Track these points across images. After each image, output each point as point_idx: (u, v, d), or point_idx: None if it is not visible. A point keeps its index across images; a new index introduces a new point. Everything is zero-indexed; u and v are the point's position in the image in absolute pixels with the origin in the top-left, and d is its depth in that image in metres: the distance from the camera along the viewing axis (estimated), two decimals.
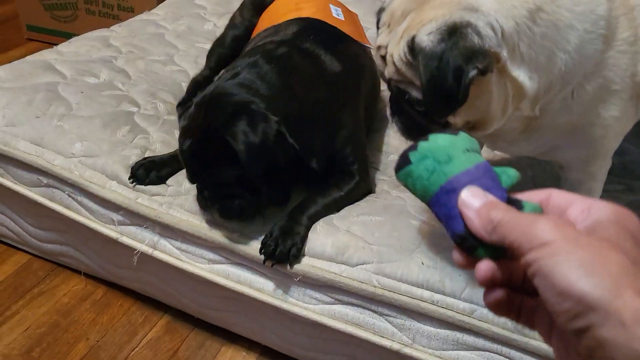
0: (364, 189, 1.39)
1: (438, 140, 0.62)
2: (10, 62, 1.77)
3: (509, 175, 0.61)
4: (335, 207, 1.32)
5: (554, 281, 0.46)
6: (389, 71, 0.96)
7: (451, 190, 0.59)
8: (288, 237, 1.21)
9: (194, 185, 1.27)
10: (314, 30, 1.44)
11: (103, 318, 1.49)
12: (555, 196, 0.53)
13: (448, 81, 0.84)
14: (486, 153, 1.49)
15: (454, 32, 0.84)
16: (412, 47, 0.88)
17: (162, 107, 1.64)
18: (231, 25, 1.75)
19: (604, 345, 0.43)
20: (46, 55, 1.83)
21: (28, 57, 1.82)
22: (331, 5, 1.54)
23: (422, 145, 0.62)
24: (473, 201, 0.55)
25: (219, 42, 1.75)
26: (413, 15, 0.91)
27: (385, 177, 1.50)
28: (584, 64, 0.93)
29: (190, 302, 1.42)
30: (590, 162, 1.10)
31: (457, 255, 0.56)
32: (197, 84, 1.66)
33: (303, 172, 1.30)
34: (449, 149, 0.62)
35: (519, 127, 1.03)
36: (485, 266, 0.54)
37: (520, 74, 0.89)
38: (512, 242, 0.50)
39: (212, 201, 1.21)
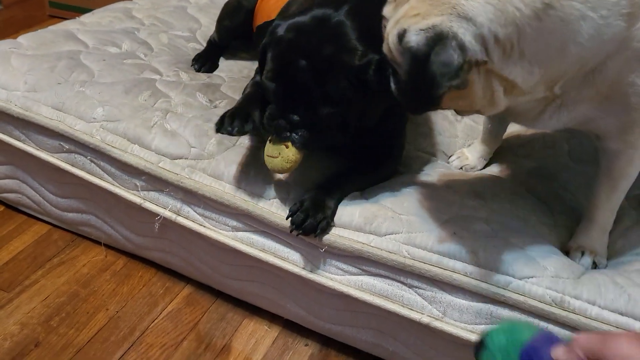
0: (395, 169, 1.36)
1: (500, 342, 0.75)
2: None
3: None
4: (367, 184, 1.28)
5: None
6: (384, 46, 0.96)
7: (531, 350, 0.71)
8: (319, 210, 1.17)
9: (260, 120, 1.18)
10: (369, 10, 1.35)
11: (123, 289, 1.46)
12: None
13: (424, 86, 0.86)
14: (512, 127, 1.44)
15: (438, 40, 0.83)
16: (402, 39, 0.87)
17: (184, 75, 1.60)
18: (238, 0, 1.73)
19: None
20: (69, 25, 1.81)
21: (51, 27, 1.80)
22: None
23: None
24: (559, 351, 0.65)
25: (228, 12, 1.75)
26: (413, 4, 0.89)
27: (415, 152, 1.45)
28: (603, 47, 0.90)
29: (212, 272, 1.38)
30: (628, 130, 1.03)
31: None
32: (213, 44, 1.80)
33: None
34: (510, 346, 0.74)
35: (537, 107, 1.00)
36: None
37: (514, 71, 0.88)
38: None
39: (294, 127, 1.12)
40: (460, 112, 1.03)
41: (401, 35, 0.87)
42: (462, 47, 0.83)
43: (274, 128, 1.14)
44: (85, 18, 1.88)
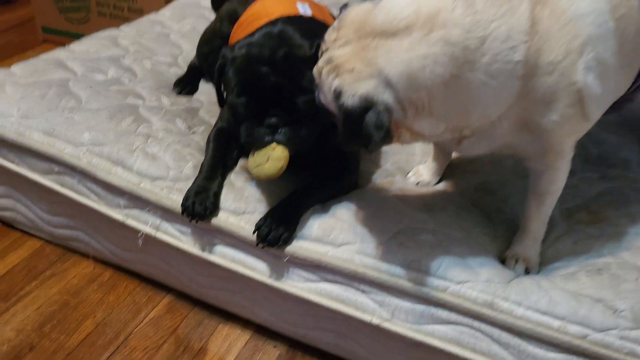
0: (354, 184, 1.50)
1: None
2: None
3: None
4: (327, 197, 1.42)
5: None
6: (315, 69, 1.11)
7: None
8: (281, 224, 1.31)
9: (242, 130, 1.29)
10: (300, 21, 1.48)
11: (109, 298, 1.59)
12: None
13: (360, 137, 1.02)
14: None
15: (370, 105, 1.00)
16: (338, 98, 1.03)
17: (165, 100, 1.75)
18: (214, 29, 1.88)
19: None
20: (59, 53, 1.95)
21: (42, 55, 1.93)
22: (298, 4, 1.63)
23: None
24: None
25: (206, 40, 1.89)
26: (349, 54, 1.03)
27: (375, 168, 1.59)
28: (503, 103, 1.06)
29: (190, 282, 1.52)
30: (546, 155, 1.18)
31: None
32: (193, 68, 1.93)
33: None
34: None
35: (453, 142, 1.16)
36: None
37: (422, 125, 1.05)
38: None
39: (275, 130, 1.25)
40: None
41: (337, 95, 1.03)
42: (388, 110, 1.00)
43: (255, 139, 1.26)
44: (75, 46, 2.02)
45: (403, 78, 0.99)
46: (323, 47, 1.11)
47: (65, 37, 2.89)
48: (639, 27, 1.16)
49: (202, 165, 1.44)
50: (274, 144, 1.25)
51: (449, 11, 0.98)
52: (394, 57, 0.99)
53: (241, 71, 1.26)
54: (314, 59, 1.17)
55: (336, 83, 1.03)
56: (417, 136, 1.08)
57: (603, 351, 1.09)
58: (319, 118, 1.26)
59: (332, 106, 1.06)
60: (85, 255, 1.70)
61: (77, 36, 2.75)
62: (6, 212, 1.77)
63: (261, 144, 1.26)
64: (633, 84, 1.28)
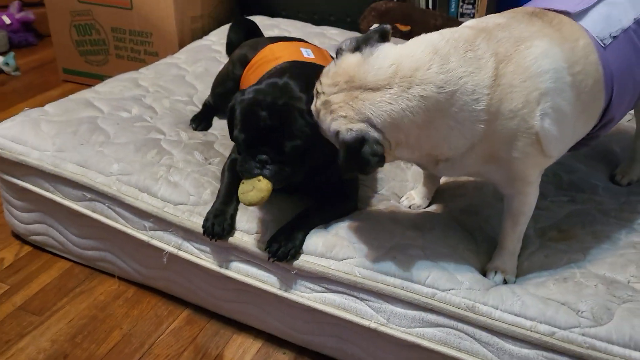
0: (353, 207, 1.69)
1: None
2: (48, 101, 2.09)
3: None
4: (329, 219, 1.61)
5: None
6: (313, 108, 1.33)
7: None
8: (290, 241, 1.50)
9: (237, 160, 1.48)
10: (303, 72, 1.69)
11: (134, 312, 1.77)
12: None
13: (358, 164, 1.23)
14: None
15: (365, 139, 1.20)
16: (338, 136, 1.24)
17: (184, 134, 1.95)
18: (227, 72, 2.10)
19: None
20: (86, 94, 2.15)
21: (71, 96, 2.14)
22: (302, 49, 1.85)
23: None
24: None
25: (220, 81, 2.12)
26: (342, 101, 1.23)
27: (372, 194, 1.79)
28: (468, 142, 1.26)
29: (207, 296, 1.70)
30: (514, 183, 1.38)
31: None
32: (208, 106, 2.15)
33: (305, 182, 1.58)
34: None
35: (430, 163, 1.36)
36: None
37: (401, 152, 1.27)
38: None
39: (264, 165, 1.42)
40: None
41: (336, 134, 1.24)
42: (377, 143, 1.21)
43: (246, 169, 1.45)
44: (100, 87, 2.23)
45: (386, 124, 1.21)
46: (319, 87, 1.30)
47: (85, 77, 3.11)
48: (596, 79, 1.37)
49: (219, 191, 1.63)
50: (260, 177, 1.43)
51: (425, 69, 1.19)
52: (378, 109, 1.20)
53: (245, 112, 1.46)
54: (310, 111, 1.37)
55: (334, 125, 1.24)
56: (396, 158, 1.32)
57: (568, 346, 1.27)
58: (305, 161, 1.47)
59: (333, 140, 1.27)
60: (110, 275, 1.89)
61: (96, 77, 2.99)
62: (38, 236, 1.96)
63: (250, 175, 1.44)
64: (597, 124, 1.48)
